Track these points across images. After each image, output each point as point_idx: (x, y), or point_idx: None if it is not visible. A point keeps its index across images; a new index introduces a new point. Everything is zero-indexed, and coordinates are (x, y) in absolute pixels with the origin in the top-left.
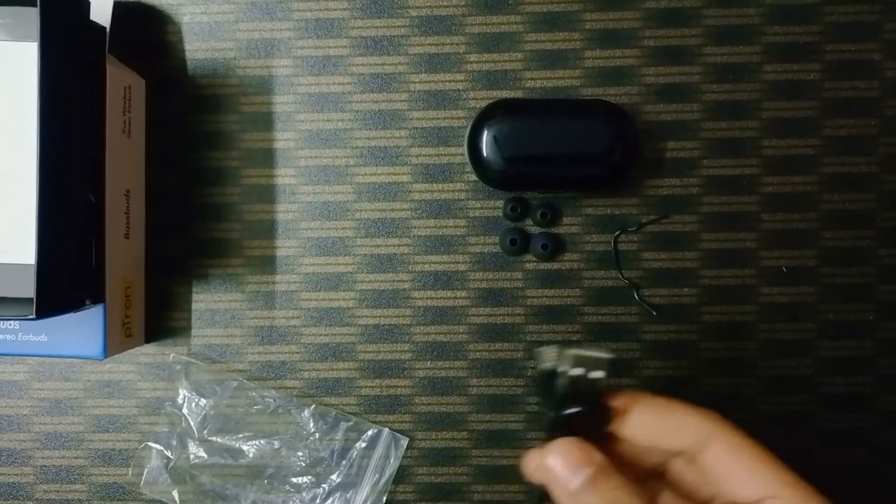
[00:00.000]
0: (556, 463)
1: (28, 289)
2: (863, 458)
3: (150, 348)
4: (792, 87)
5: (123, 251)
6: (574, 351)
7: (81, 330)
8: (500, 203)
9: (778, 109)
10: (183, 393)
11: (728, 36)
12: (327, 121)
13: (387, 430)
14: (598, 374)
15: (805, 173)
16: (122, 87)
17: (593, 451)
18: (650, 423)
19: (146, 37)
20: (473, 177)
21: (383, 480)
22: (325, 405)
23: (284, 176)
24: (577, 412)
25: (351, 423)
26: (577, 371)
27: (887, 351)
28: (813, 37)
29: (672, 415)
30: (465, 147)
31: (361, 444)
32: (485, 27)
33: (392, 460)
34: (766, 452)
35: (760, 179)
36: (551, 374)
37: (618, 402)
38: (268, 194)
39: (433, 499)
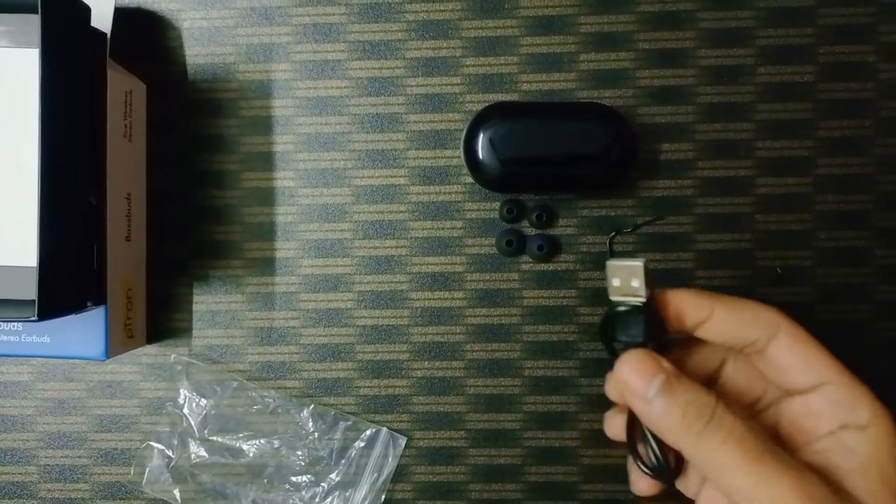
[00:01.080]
0: (629, 376)
1: (30, 291)
2: None
3: (151, 349)
4: (786, 89)
5: (125, 253)
6: (610, 262)
7: (83, 331)
8: (497, 205)
9: (772, 111)
10: (184, 393)
11: (722, 38)
12: (326, 124)
13: (385, 429)
14: (635, 282)
15: (800, 174)
16: (124, 91)
17: (661, 359)
18: (731, 318)
19: (147, 42)
20: (470, 179)
21: (382, 479)
22: (324, 405)
23: (284, 179)
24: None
25: (350, 423)
26: (616, 282)
27: (884, 351)
28: (807, 39)
29: (749, 308)
30: (462, 150)
31: (360, 444)
32: (481, 31)
33: (390, 459)
34: (822, 345)
35: (755, 181)
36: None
37: (694, 300)
38: (267, 197)
39: (431, 497)
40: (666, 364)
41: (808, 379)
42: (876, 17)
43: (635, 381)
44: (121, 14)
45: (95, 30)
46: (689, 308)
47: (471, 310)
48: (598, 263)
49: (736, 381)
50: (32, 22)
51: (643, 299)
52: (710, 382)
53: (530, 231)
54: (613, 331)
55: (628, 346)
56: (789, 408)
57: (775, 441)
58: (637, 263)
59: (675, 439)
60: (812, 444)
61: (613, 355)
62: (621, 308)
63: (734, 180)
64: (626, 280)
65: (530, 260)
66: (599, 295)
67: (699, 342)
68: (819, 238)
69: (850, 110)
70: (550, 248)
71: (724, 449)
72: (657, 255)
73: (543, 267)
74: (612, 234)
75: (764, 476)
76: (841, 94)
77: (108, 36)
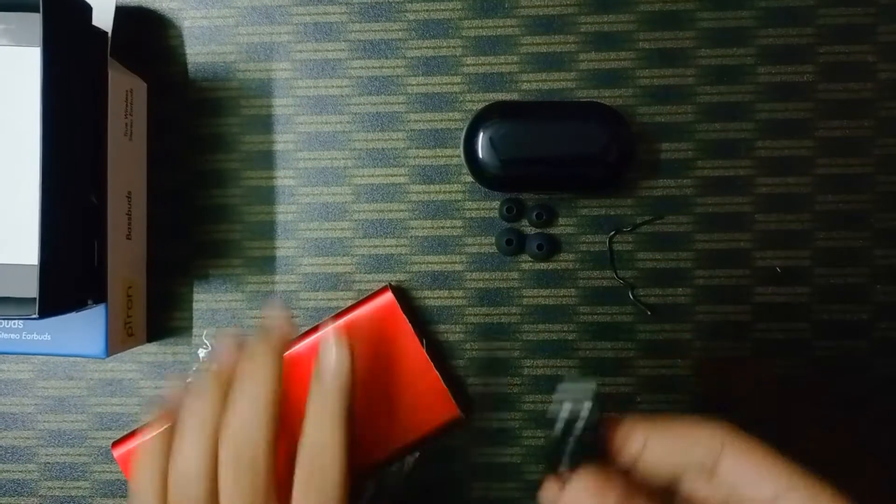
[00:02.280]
0: (580, 496)
1: (31, 289)
2: (859, 458)
3: (151, 347)
4: (786, 88)
5: (125, 252)
6: (562, 385)
7: (84, 329)
8: (497, 204)
9: (772, 111)
10: None
11: (722, 38)
12: (326, 123)
13: None
14: (586, 404)
15: (799, 174)
16: (124, 90)
17: (614, 479)
18: (668, 446)
19: (148, 41)
20: (470, 178)
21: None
22: None
23: (284, 178)
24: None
25: None
26: (567, 405)
27: (882, 351)
28: (807, 39)
29: (687, 433)
30: (462, 149)
31: None
32: (481, 30)
33: None
34: (777, 453)
35: (754, 180)
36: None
37: (629, 431)
38: (267, 196)
39: (433, 494)
40: (618, 484)
41: (767, 491)
42: (875, 18)
43: (586, 501)
44: (122, 13)
45: (96, 29)
46: (621, 440)
47: (470, 308)
48: (597, 263)
49: (697, 490)
50: (34, 21)
51: (591, 420)
52: (672, 486)
53: (530, 230)
54: (560, 453)
55: (576, 465)
56: None
57: None
58: (589, 386)
59: None
60: None
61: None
62: (569, 430)
63: (734, 180)
64: (578, 402)
65: (530, 259)
66: (599, 294)
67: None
68: (818, 238)
69: (850, 110)
70: (550, 248)
71: None
72: (657, 255)
73: (543, 266)
74: (612, 233)
75: None
76: (840, 94)
77: (110, 35)
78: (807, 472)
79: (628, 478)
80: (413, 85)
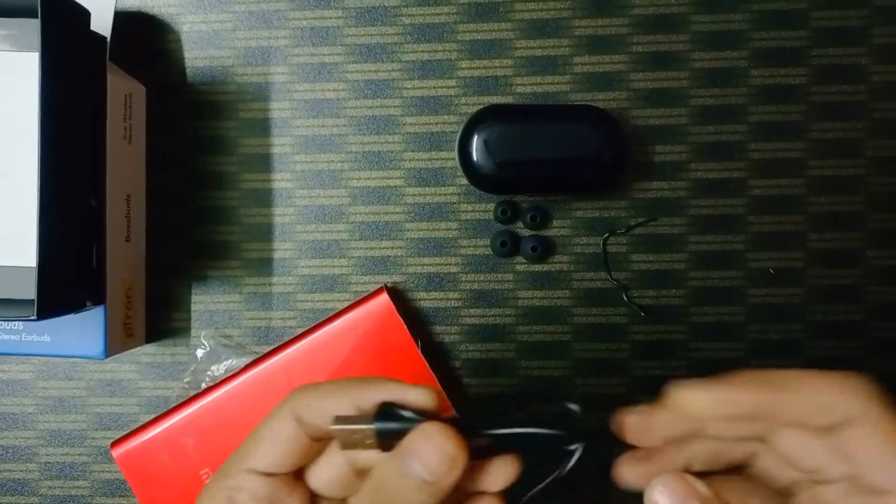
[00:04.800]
0: (664, 501)
1: (30, 291)
2: None
3: (150, 348)
4: (779, 91)
5: (124, 253)
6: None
7: (83, 330)
8: (491, 206)
9: (765, 113)
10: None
11: (715, 41)
12: (322, 126)
13: None
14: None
15: (792, 176)
16: (123, 94)
17: (697, 483)
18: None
19: (147, 45)
20: (465, 181)
21: None
22: None
23: (281, 180)
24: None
25: None
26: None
27: (875, 352)
28: (800, 41)
29: (815, 390)
30: (456, 152)
31: None
32: (476, 34)
33: None
34: None
35: (748, 182)
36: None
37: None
38: (265, 198)
39: None
40: (702, 488)
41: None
42: (868, 20)
43: None
44: (121, 18)
45: (95, 34)
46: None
47: (466, 310)
48: (591, 264)
49: (767, 469)
50: (33, 26)
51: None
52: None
53: (524, 232)
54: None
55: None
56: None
57: None
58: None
59: None
60: None
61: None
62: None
63: (727, 182)
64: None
65: (524, 261)
66: (593, 296)
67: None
68: (811, 239)
69: (843, 112)
70: (544, 249)
71: None
72: (650, 257)
73: (537, 268)
74: (606, 234)
75: None
76: (833, 97)
77: (108, 39)
78: None
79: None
80: (408, 88)
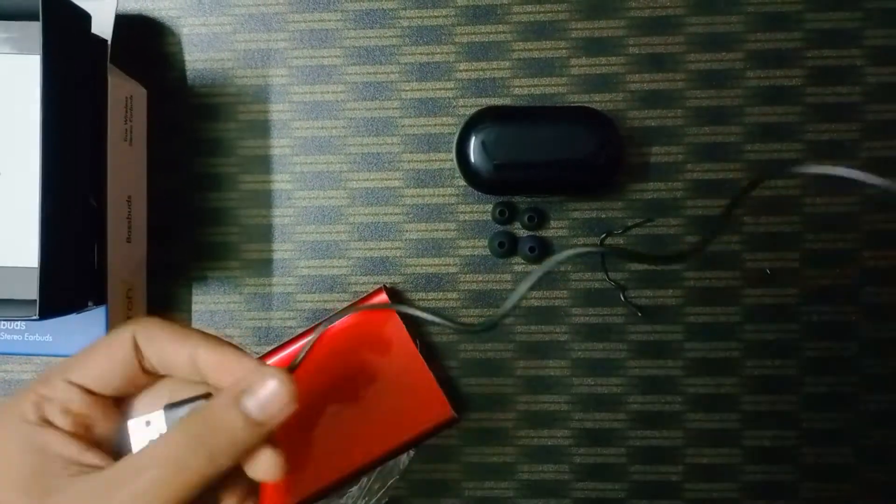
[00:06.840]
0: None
1: (31, 291)
2: (847, 458)
3: None
4: (774, 92)
5: (125, 254)
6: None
7: (85, 330)
8: (489, 207)
9: (761, 115)
10: None
11: (711, 43)
12: (322, 128)
13: None
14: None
15: (788, 176)
16: (124, 96)
17: None
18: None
19: (147, 48)
20: (463, 182)
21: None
22: None
23: (280, 181)
24: None
25: None
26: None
27: (870, 351)
28: (795, 43)
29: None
30: (454, 153)
31: None
32: (474, 37)
33: (391, 463)
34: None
35: (743, 183)
36: None
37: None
38: (265, 199)
39: (426, 494)
40: None
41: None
42: (862, 22)
43: None
44: (122, 20)
45: (96, 36)
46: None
47: (464, 310)
48: (588, 265)
49: None
50: (34, 29)
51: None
52: None
53: (522, 233)
54: None
55: None
56: None
57: None
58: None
59: None
60: None
61: None
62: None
63: (723, 183)
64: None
65: (522, 261)
66: (590, 296)
67: None
68: (807, 240)
69: (838, 114)
70: (542, 250)
71: None
72: None
73: (535, 268)
74: (603, 235)
75: None
76: (828, 98)
77: (109, 42)
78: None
79: None
80: (407, 90)
